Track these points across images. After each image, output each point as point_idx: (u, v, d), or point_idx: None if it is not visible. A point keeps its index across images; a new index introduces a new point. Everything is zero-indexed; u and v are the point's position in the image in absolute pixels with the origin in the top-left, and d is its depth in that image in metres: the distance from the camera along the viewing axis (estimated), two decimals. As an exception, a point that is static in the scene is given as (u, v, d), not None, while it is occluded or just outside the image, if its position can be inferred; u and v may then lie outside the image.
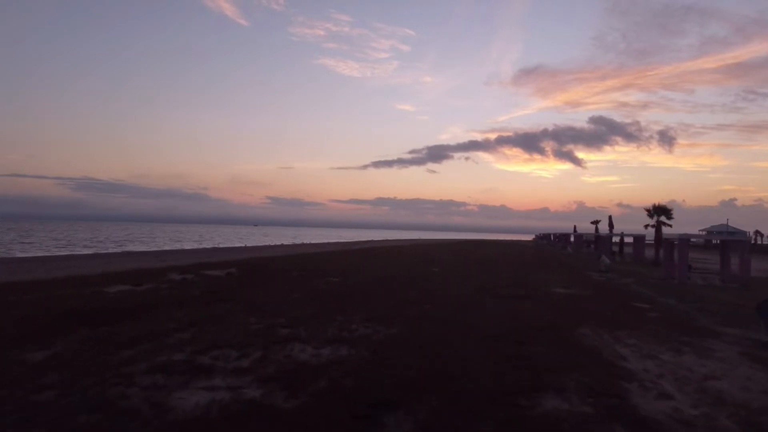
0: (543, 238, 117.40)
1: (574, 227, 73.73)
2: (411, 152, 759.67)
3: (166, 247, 44.23)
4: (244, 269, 18.73)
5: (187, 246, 48.64)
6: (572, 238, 69.88)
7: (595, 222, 54.07)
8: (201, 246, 47.40)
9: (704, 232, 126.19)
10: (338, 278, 16.71)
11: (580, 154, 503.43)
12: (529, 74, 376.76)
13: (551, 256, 37.54)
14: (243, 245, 49.10)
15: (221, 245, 50.51)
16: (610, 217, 45.29)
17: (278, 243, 57.36)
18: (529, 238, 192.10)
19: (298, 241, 69.23)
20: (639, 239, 35.26)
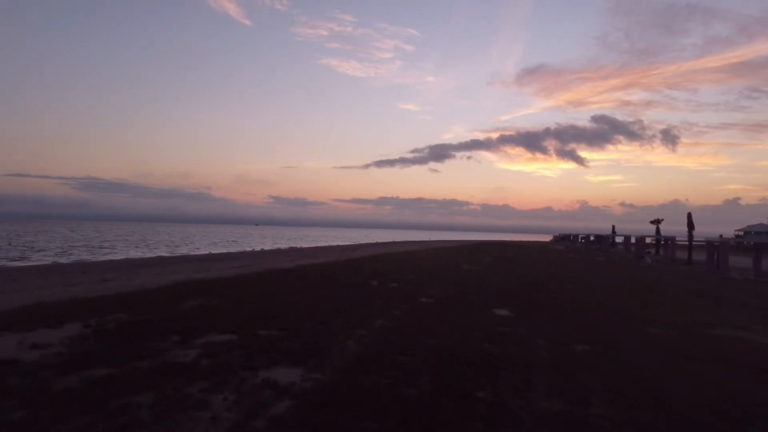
0: (563, 239, 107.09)
1: (613, 227, 63.27)
2: (413, 151, 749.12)
3: (109, 257, 33.90)
4: (125, 323, 8.38)
5: (151, 253, 38.26)
6: (609, 238, 59.38)
7: (656, 221, 43.49)
8: (150, 254, 37.00)
9: (741, 233, 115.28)
10: (299, 368, 6.37)
11: (583, 153, 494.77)
12: (531, 74, 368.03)
13: (634, 270, 26.98)
14: (208, 252, 38.57)
15: (179, 254, 40.05)
16: (689, 215, 34.75)
17: (259, 248, 46.79)
18: (537, 238, 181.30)
19: (288, 245, 58.65)
20: (763, 245, 24.69)
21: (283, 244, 65.18)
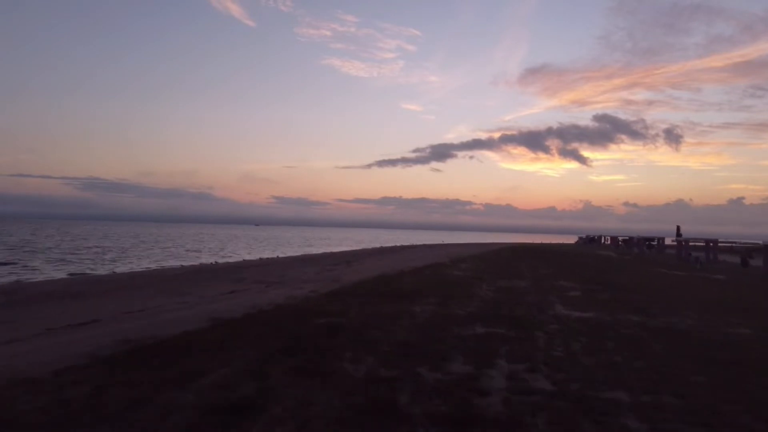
0: (591, 241, 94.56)
1: (678, 227, 50.63)
2: (414, 151, 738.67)
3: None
4: None
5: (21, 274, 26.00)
6: (682, 243, 46.53)
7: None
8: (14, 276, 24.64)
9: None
10: None
11: (585, 153, 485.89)
12: (535, 73, 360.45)
13: None
14: (112, 272, 25.81)
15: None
16: None
17: (212, 261, 34.05)
18: (543, 238, 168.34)
19: (261, 256, 46.33)
20: None
21: (262, 252, 52.98)
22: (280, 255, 42.75)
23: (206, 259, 35.94)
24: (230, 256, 39.03)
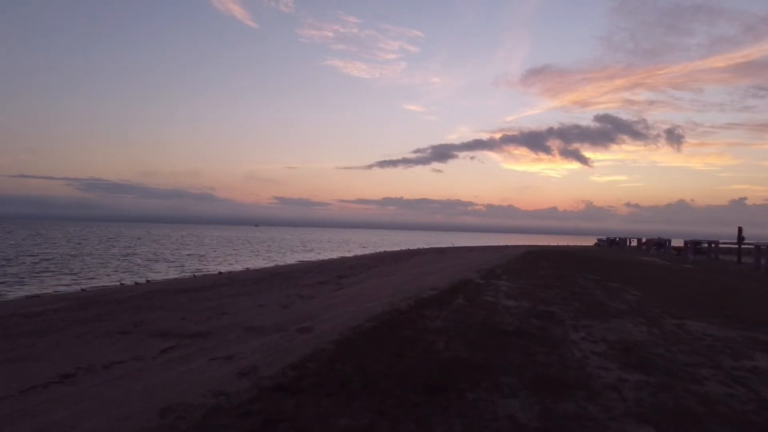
0: (613, 243, 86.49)
1: (740, 229, 42.48)
2: (416, 152, 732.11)
3: None
4: None
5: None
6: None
7: None
8: None
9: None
10: None
11: (587, 153, 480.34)
12: (537, 74, 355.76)
13: None
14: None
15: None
16: None
17: (144, 279, 25.63)
18: (546, 239, 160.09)
19: (228, 266, 38.40)
20: None
21: (240, 259, 45.12)
22: (252, 265, 34.67)
23: (157, 273, 27.63)
24: (185, 269, 31.11)
